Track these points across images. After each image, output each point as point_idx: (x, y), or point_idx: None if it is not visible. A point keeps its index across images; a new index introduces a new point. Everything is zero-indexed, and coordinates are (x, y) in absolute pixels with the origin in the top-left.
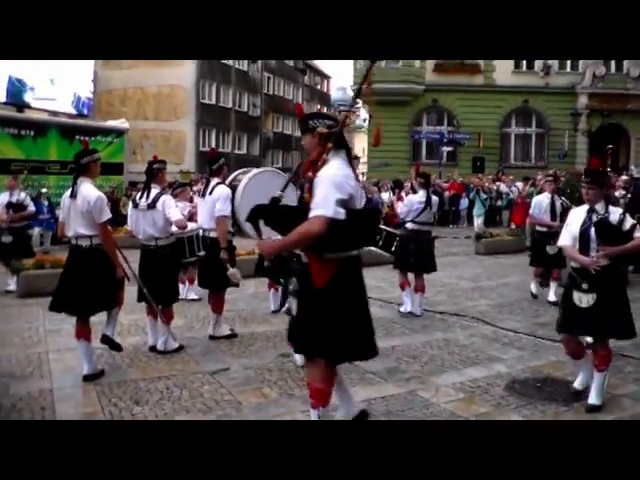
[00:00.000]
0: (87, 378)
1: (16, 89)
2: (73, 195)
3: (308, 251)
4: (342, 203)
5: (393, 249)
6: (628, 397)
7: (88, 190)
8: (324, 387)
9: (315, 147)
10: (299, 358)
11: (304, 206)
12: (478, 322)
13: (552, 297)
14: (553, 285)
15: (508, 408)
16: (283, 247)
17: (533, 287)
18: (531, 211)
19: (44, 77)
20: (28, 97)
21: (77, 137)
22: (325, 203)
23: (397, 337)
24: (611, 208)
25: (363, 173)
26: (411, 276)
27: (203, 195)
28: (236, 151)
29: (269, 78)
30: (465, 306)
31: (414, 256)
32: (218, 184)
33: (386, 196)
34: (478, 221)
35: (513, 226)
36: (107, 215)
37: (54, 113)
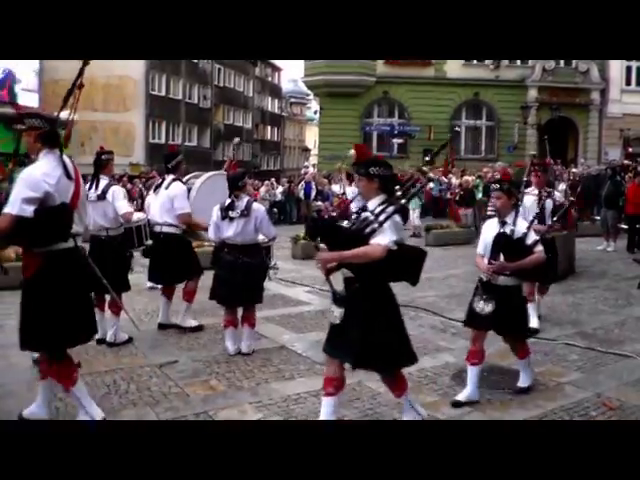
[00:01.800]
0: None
1: None
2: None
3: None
4: (33, 201)
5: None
6: (571, 384)
7: None
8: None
9: (31, 147)
10: (230, 347)
11: None
12: (427, 313)
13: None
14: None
15: (454, 397)
16: None
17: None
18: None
19: None
20: None
21: (14, 126)
22: (13, 201)
23: None
24: (519, 221)
25: (314, 165)
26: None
27: (157, 190)
28: (187, 143)
29: (220, 70)
30: (414, 297)
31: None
32: (174, 180)
33: (336, 188)
34: (414, 215)
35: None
36: None
37: None
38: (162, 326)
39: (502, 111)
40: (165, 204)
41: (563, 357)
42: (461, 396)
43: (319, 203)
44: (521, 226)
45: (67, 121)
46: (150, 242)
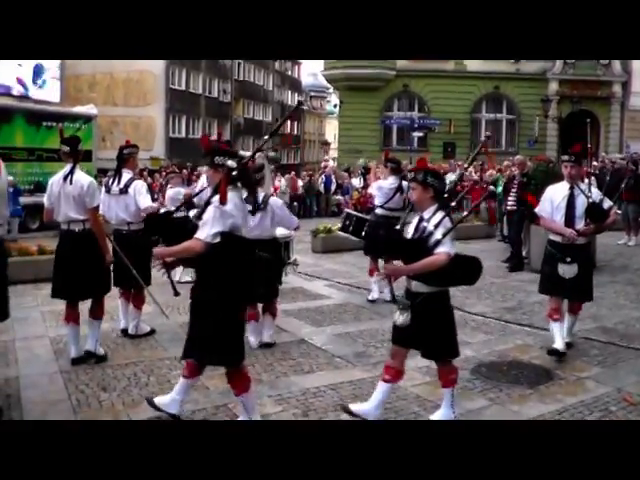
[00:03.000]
0: (75, 361)
1: None
2: (65, 180)
3: None
4: None
5: (363, 234)
6: (592, 379)
7: (81, 175)
8: None
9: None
10: (253, 340)
11: None
12: None
13: (560, 345)
14: (568, 320)
15: (473, 392)
16: None
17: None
18: (538, 209)
19: None
20: None
21: (44, 123)
22: None
23: (365, 322)
24: (593, 189)
25: (334, 159)
26: (381, 262)
27: None
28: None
29: (239, 64)
30: None
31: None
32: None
33: (356, 181)
34: None
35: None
36: (98, 200)
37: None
38: None
39: (523, 104)
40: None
41: (583, 352)
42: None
43: (339, 197)
44: (596, 193)
45: None
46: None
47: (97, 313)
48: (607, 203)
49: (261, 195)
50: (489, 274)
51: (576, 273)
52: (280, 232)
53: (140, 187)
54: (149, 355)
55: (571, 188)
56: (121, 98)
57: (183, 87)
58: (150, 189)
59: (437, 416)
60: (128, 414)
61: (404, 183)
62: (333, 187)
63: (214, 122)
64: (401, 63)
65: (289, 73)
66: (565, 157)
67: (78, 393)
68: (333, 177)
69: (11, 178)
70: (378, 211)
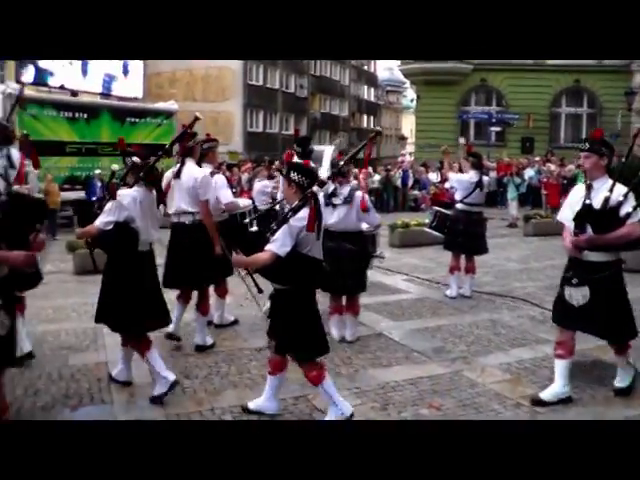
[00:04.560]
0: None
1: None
2: (178, 175)
3: None
4: None
5: (445, 230)
6: None
7: (194, 169)
8: None
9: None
10: (336, 333)
11: None
12: (525, 303)
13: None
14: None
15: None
16: None
17: None
18: (559, 216)
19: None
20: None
21: (128, 119)
22: None
23: (444, 317)
24: (617, 187)
25: (410, 153)
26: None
27: None
28: (284, 132)
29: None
30: (512, 287)
31: (464, 237)
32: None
33: (433, 176)
34: (512, 205)
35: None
36: (210, 193)
37: (105, 96)
38: None
39: (604, 97)
40: None
41: None
42: (545, 394)
43: (416, 192)
44: (618, 192)
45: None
46: (255, 229)
47: (203, 309)
48: (627, 207)
49: (347, 188)
50: None
51: (587, 299)
52: (365, 225)
53: (221, 181)
54: (229, 345)
55: (588, 187)
56: (200, 94)
57: (261, 82)
58: (229, 182)
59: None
60: (210, 401)
61: (485, 178)
62: (410, 182)
63: (291, 117)
64: None
65: (365, 68)
66: (580, 145)
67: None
68: (410, 172)
69: (98, 172)
70: (458, 206)
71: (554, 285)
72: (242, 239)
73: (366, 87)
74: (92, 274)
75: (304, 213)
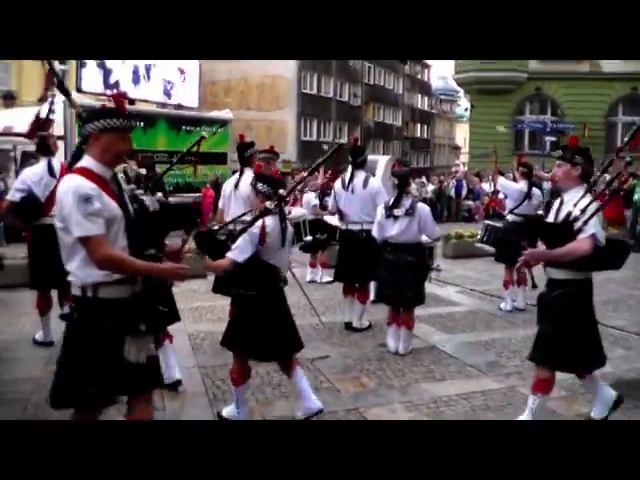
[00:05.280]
0: None
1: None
2: (236, 185)
3: None
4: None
5: (496, 242)
6: None
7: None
8: None
9: None
10: (392, 345)
11: None
12: None
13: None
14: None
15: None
16: None
17: None
18: None
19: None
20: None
21: (183, 127)
22: None
23: (497, 330)
24: (584, 200)
25: (464, 163)
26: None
27: (347, 187)
28: (337, 140)
29: (370, 68)
30: None
31: (515, 249)
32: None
33: (487, 186)
34: None
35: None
36: None
37: (163, 105)
38: (348, 325)
39: None
40: (367, 202)
41: None
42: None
43: (469, 202)
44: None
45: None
46: (309, 238)
47: None
48: (579, 222)
49: (409, 201)
50: (626, 285)
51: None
52: (424, 238)
53: None
54: None
55: (561, 198)
56: (255, 102)
57: (315, 91)
58: None
59: None
60: (261, 411)
61: (534, 190)
62: (464, 192)
63: (344, 126)
64: (533, 65)
65: (419, 77)
66: (553, 153)
67: (214, 388)
68: (464, 182)
69: None
70: (509, 217)
71: (611, 300)
72: (209, 245)
73: (420, 96)
74: None
75: (261, 223)
